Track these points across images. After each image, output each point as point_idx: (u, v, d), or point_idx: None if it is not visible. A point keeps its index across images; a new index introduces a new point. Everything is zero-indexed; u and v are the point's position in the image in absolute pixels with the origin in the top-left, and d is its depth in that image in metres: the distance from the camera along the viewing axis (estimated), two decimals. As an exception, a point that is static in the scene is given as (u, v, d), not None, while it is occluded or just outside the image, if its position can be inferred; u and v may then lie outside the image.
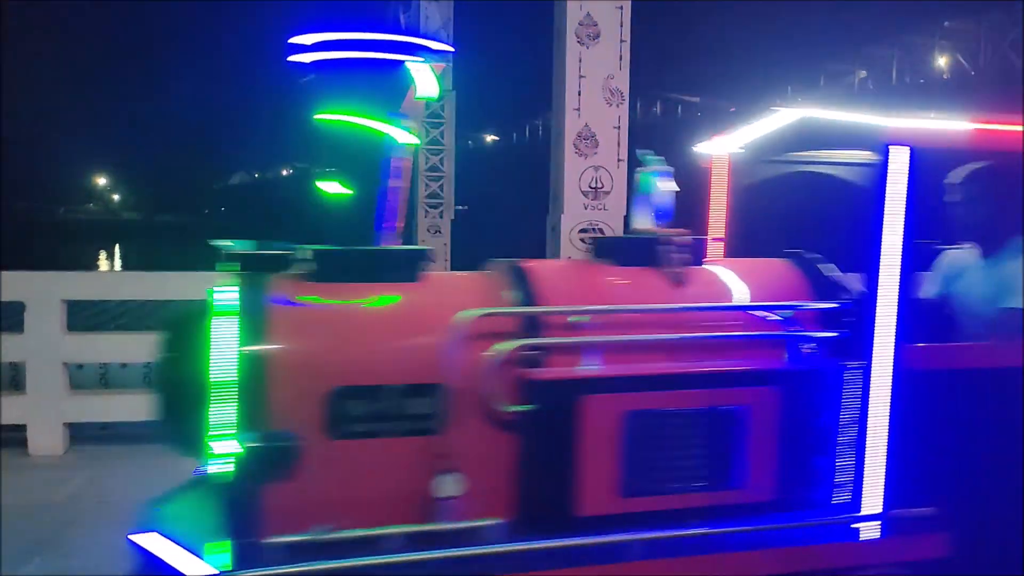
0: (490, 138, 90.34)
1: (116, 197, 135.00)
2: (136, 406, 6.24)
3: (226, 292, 2.82)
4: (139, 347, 6.46)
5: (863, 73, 55.15)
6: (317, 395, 2.80)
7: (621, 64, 8.07)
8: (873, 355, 3.11)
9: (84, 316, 9.47)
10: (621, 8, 8.06)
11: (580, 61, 7.98)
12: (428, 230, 19.05)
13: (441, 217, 19.08)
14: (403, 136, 3.19)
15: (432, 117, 19.08)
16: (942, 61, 48.96)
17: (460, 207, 20.61)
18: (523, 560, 2.74)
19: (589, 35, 7.97)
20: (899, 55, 52.48)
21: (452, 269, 19.04)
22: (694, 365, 3.09)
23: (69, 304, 6.92)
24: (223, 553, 2.64)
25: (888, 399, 3.12)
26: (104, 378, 7.88)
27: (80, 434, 6.75)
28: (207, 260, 3.43)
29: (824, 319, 3.29)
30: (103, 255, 63.38)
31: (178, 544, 2.75)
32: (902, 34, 51.72)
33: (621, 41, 8.05)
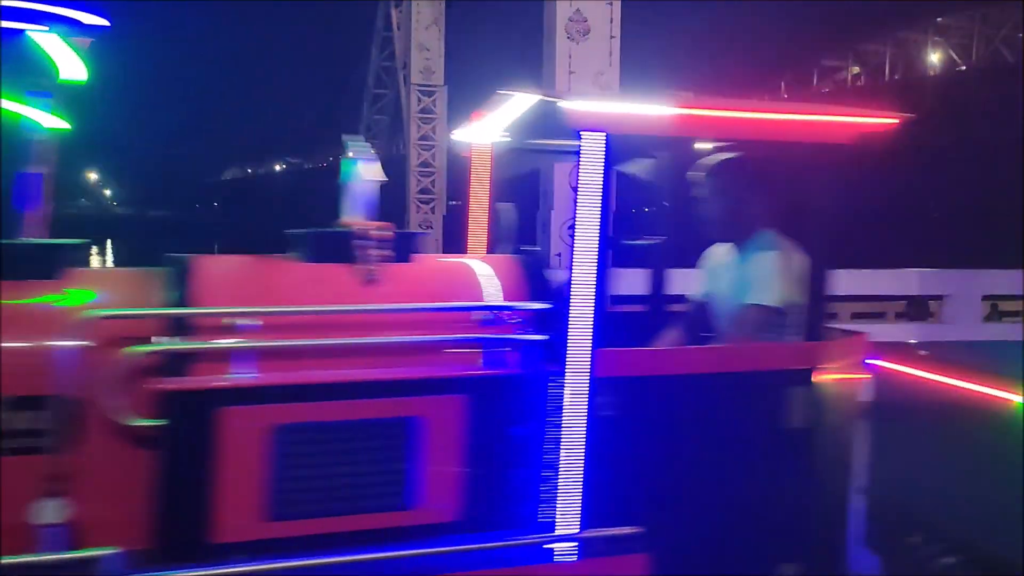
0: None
1: None
2: None
3: None
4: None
5: (856, 69, 55.23)
6: None
7: (611, 61, 8.11)
8: (568, 360, 2.80)
9: None
10: (611, 5, 8.09)
11: (570, 58, 8.01)
12: (420, 225, 19.10)
13: (433, 212, 19.13)
14: (49, 120, 2.83)
15: (423, 112, 19.12)
16: (935, 57, 49.04)
17: (453, 203, 20.68)
18: None
19: (579, 32, 8.00)
20: (892, 51, 52.57)
21: (445, 264, 19.02)
22: (358, 372, 2.74)
23: None
24: None
25: (584, 408, 2.80)
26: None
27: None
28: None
29: (537, 321, 2.98)
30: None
31: None
32: (895, 30, 51.77)
33: (611, 38, 8.09)
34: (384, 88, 28.19)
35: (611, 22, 8.09)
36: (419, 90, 19.15)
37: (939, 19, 48.46)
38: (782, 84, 57.42)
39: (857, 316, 10.98)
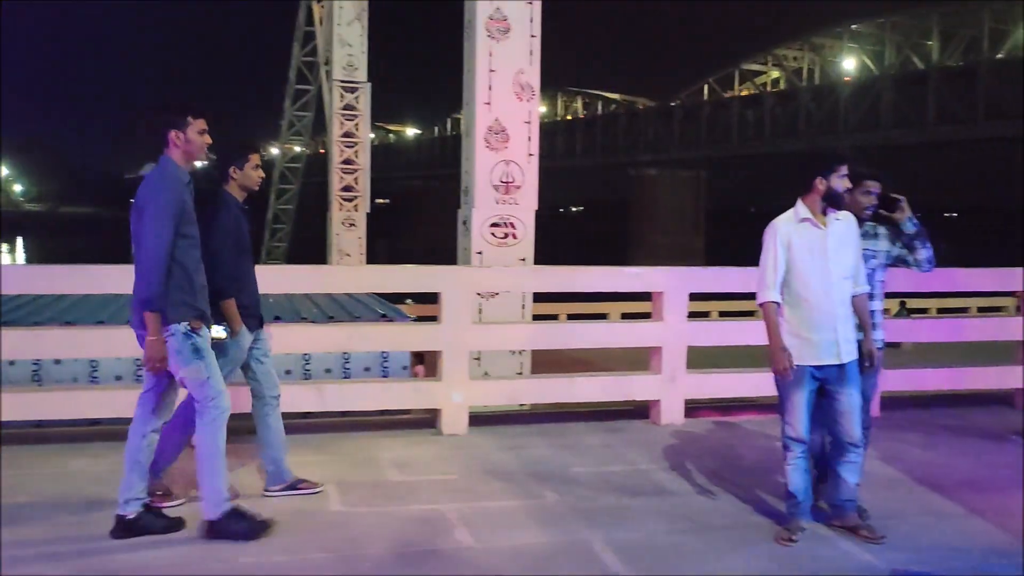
0: (412, 131, 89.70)
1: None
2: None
3: None
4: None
5: (776, 73, 56.57)
6: None
7: (531, 59, 8.10)
8: None
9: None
10: (531, 4, 8.08)
11: (490, 55, 7.99)
12: (343, 223, 18.88)
13: (356, 210, 18.93)
14: None
15: (346, 109, 18.90)
16: (850, 62, 50.53)
17: (381, 200, 20.45)
18: None
19: (499, 30, 7.98)
20: (809, 56, 54.01)
21: (368, 262, 18.89)
22: None
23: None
24: None
25: None
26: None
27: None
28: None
29: None
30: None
31: None
32: (812, 36, 53.20)
33: (531, 36, 8.08)
34: (306, 84, 27.83)
35: (531, 21, 8.08)
36: (342, 86, 18.92)
37: (853, 26, 49.97)
38: (705, 87, 58.53)
39: None
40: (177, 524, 4.21)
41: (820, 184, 4.31)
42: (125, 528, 4.12)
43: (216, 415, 4.12)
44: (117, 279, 6.35)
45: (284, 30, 28.66)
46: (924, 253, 4.69)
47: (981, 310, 20.23)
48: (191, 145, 4.19)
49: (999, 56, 40.98)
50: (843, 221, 4.40)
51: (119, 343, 6.45)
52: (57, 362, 7.46)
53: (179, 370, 4.09)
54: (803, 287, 4.32)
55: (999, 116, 37.43)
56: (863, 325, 4.44)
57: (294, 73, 28.04)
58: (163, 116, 4.20)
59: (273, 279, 7.62)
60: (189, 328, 4.04)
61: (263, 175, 4.82)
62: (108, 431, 5.91)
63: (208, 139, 4.27)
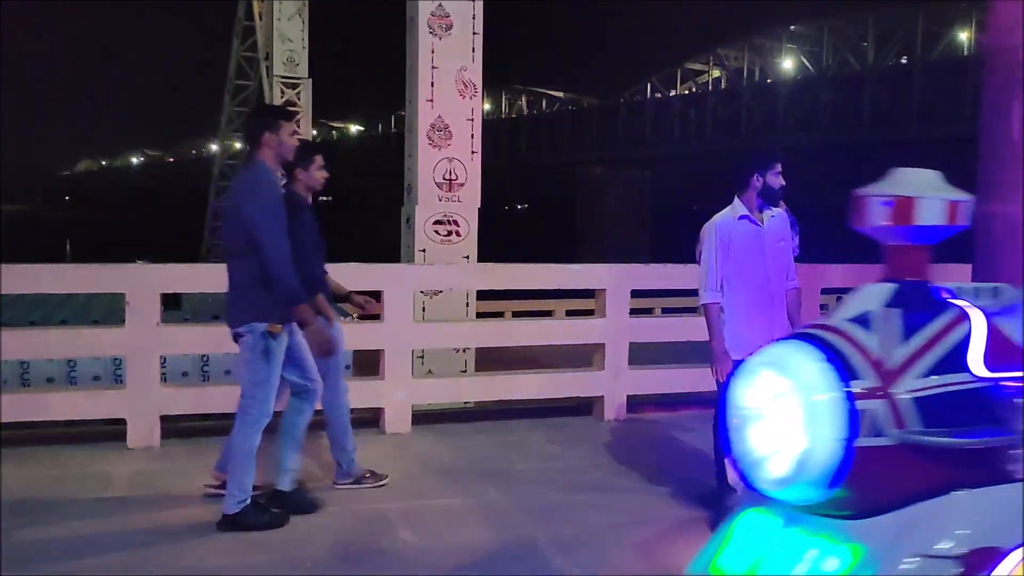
0: (355, 128, 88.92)
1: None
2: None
3: None
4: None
5: (716, 72, 57.35)
6: None
7: (474, 56, 8.08)
8: None
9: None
10: (474, 2, 8.06)
11: (433, 52, 7.94)
12: (285, 221, 18.64)
13: (298, 208, 18.69)
14: None
15: (287, 105, 18.65)
16: (789, 63, 51.47)
17: (323, 198, 20.27)
18: None
19: (442, 27, 7.94)
20: (750, 56, 54.86)
21: (310, 261, 18.64)
22: None
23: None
24: None
25: None
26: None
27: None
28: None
29: None
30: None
31: None
32: (752, 37, 54.05)
33: (474, 34, 8.06)
34: (246, 79, 27.39)
35: (473, 18, 8.06)
36: (282, 82, 18.67)
37: (792, 27, 50.89)
38: (648, 85, 59.07)
39: None
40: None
41: (757, 181, 4.40)
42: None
43: (259, 418, 4.30)
44: (48, 280, 6.20)
45: (224, 24, 28.18)
46: (794, 240, 4.85)
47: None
48: (282, 147, 4.35)
49: (933, 58, 42.10)
50: (777, 218, 4.50)
51: (48, 345, 6.30)
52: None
53: (243, 365, 4.30)
54: (742, 283, 4.39)
55: (933, 118, 38.46)
56: (791, 319, 4.54)
57: (234, 68, 27.58)
58: (257, 120, 4.46)
59: (214, 277, 7.51)
60: (267, 330, 4.21)
61: (327, 175, 4.96)
62: (42, 435, 5.77)
63: (296, 141, 4.45)
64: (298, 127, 19.08)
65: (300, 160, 4.74)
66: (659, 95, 57.33)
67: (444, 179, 8.11)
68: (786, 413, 2.31)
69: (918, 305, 2.47)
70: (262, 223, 4.11)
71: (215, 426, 5.92)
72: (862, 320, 2.45)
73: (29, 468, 5.18)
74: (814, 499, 2.33)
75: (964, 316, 2.46)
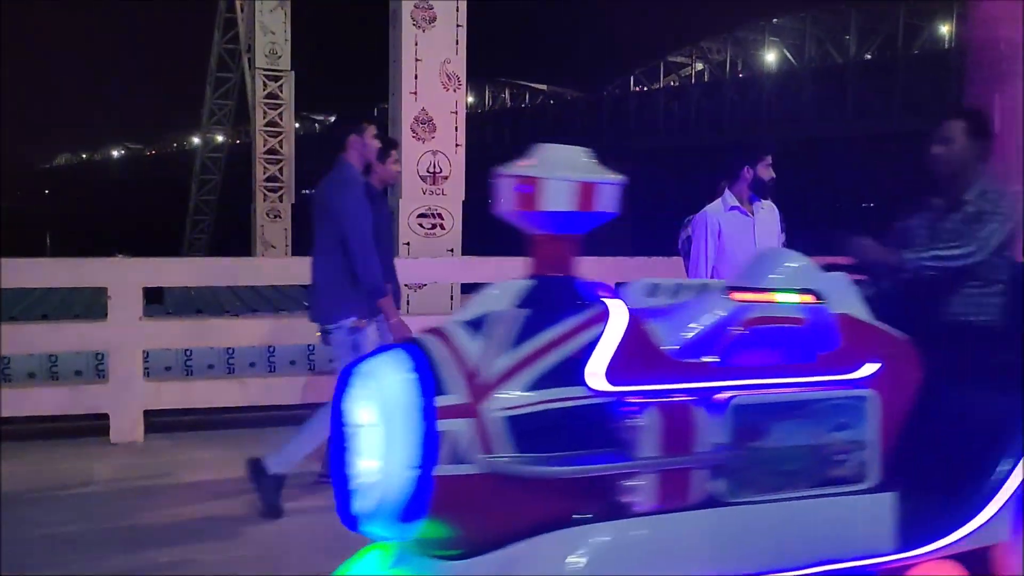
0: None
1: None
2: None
3: None
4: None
5: (700, 66, 57.41)
6: None
7: (458, 48, 8.05)
8: None
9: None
10: (458, -7, 8.03)
11: (416, 44, 7.91)
12: (267, 214, 18.50)
13: (281, 201, 18.57)
14: None
15: (269, 98, 18.53)
16: (771, 57, 51.59)
17: (306, 191, 20.12)
18: None
19: (425, 19, 7.91)
20: (732, 49, 54.94)
21: (293, 255, 18.59)
22: None
23: None
24: None
25: None
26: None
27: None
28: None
29: None
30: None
31: None
32: (734, 30, 54.14)
33: (457, 26, 8.03)
34: (228, 72, 27.19)
35: (457, 10, 8.03)
36: (265, 74, 18.52)
37: (775, 20, 50.98)
38: (631, 78, 59.08)
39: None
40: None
41: (747, 173, 4.45)
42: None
43: None
44: (29, 274, 6.16)
45: (205, 16, 27.96)
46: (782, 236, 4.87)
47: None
48: (367, 149, 4.64)
49: (915, 52, 42.33)
50: (767, 210, 4.54)
51: (29, 339, 6.25)
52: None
53: (338, 360, 4.44)
54: (732, 273, 4.42)
55: (915, 110, 38.69)
56: None
57: (215, 60, 27.36)
58: (345, 125, 4.79)
59: (196, 271, 7.47)
60: (354, 325, 4.41)
61: (400, 169, 5.14)
62: (25, 430, 5.72)
63: (378, 143, 4.74)
64: (281, 120, 18.99)
65: (378, 155, 4.86)
66: (642, 88, 57.38)
67: (428, 172, 8.09)
68: (370, 434, 1.93)
69: (556, 305, 2.07)
70: (350, 221, 4.36)
71: (199, 421, 5.90)
72: (476, 323, 2.07)
73: (11, 464, 5.15)
74: (398, 536, 1.96)
75: (601, 319, 2.04)
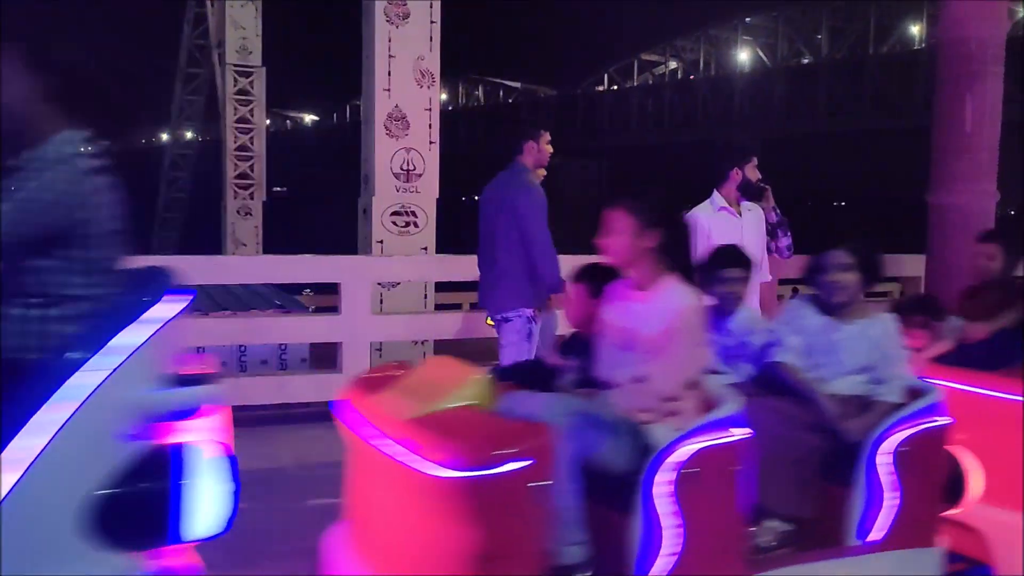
0: (310, 118, 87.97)
1: None
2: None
3: None
4: None
5: (673, 64, 57.66)
6: None
7: (432, 45, 8.00)
8: None
9: None
10: (431, -10, 7.98)
11: (390, 41, 7.85)
12: (238, 212, 18.33)
13: (252, 198, 18.41)
14: None
15: (240, 95, 18.35)
16: (744, 55, 51.92)
17: (278, 189, 19.95)
18: None
19: (398, 15, 7.85)
20: (706, 48, 55.23)
21: (265, 252, 18.45)
22: None
23: None
24: None
25: None
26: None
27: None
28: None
29: None
30: None
31: None
32: (708, 28, 54.41)
33: (432, 22, 7.98)
34: (198, 67, 26.90)
35: (431, 7, 7.97)
36: (235, 70, 18.33)
37: (748, 19, 51.31)
38: (605, 76, 59.20)
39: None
40: None
41: (736, 175, 4.50)
42: None
43: None
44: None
45: (175, 10, 27.64)
46: (784, 241, 4.90)
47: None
48: (541, 153, 4.92)
49: (884, 51, 42.77)
50: (753, 212, 4.58)
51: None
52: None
53: (508, 347, 4.84)
54: None
55: (885, 109, 39.09)
56: (765, 310, 4.59)
57: (185, 55, 27.07)
58: (521, 130, 5.06)
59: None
60: (532, 315, 4.78)
61: (552, 150, 5.18)
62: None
63: (551, 149, 4.99)
64: (252, 116, 18.83)
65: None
66: (616, 87, 57.55)
67: (402, 169, 8.03)
68: None
69: None
70: (533, 223, 4.67)
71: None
72: None
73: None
74: None
75: None
